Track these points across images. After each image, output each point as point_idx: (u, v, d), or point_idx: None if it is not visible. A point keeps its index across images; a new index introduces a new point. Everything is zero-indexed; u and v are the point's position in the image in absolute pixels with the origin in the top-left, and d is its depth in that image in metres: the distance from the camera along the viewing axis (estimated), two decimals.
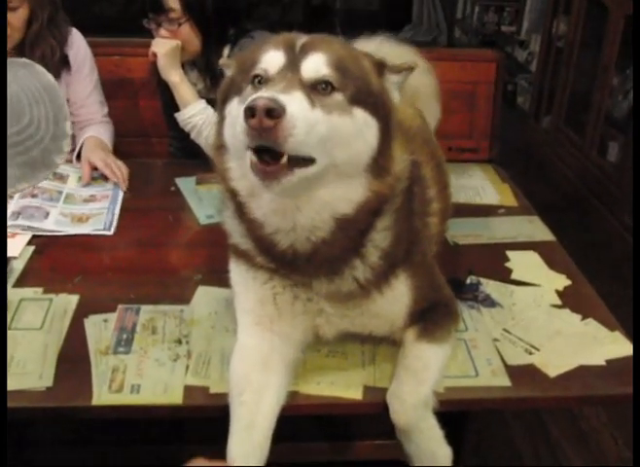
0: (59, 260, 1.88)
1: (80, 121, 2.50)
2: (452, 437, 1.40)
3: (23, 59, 1.21)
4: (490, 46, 5.35)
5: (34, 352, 1.49)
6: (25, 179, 1.04)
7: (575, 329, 1.63)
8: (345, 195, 1.25)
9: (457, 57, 2.93)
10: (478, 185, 2.31)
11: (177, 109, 2.43)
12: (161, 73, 2.38)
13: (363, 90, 1.23)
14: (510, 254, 1.91)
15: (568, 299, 1.73)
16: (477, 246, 1.95)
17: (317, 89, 1.18)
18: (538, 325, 1.64)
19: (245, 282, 1.44)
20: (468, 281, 1.74)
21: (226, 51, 2.38)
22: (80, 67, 2.47)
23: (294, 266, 1.33)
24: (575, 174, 4.33)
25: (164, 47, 2.32)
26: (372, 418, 1.66)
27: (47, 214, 2.05)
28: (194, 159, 2.49)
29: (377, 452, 1.70)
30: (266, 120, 1.07)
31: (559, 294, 1.75)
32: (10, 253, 1.83)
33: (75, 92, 2.47)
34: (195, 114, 2.37)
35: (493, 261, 1.87)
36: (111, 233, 2.00)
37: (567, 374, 1.49)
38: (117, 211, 2.11)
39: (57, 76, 2.37)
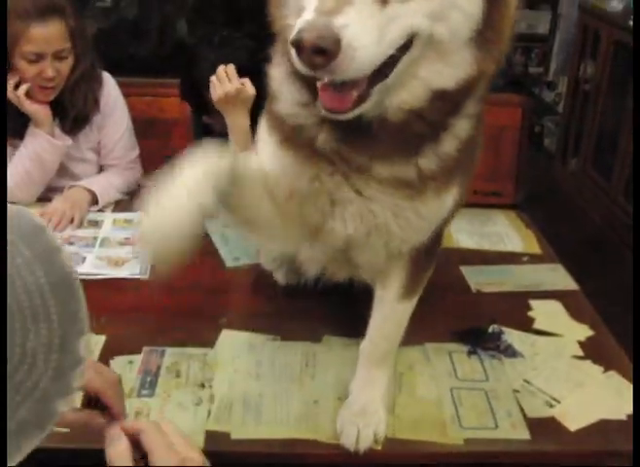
0: (86, 299, 1.89)
1: (103, 164, 2.52)
2: None
3: (34, 222, 0.80)
4: (518, 87, 5.37)
5: None
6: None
7: (596, 381, 1.63)
8: (444, 70, 1.08)
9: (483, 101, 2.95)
10: (502, 232, 2.31)
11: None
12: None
13: None
14: (533, 303, 1.91)
15: (590, 350, 1.73)
16: (500, 294, 1.96)
17: None
18: (559, 376, 1.63)
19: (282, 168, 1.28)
20: (490, 330, 1.75)
21: None
22: (112, 111, 2.47)
23: (360, 144, 1.16)
24: (601, 219, 4.32)
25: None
26: None
27: (83, 259, 2.06)
28: None
29: None
30: (316, 58, 0.89)
31: (581, 344, 1.75)
32: None
33: (107, 136, 2.47)
34: None
35: (516, 309, 1.88)
36: (147, 276, 1.99)
37: (588, 428, 1.48)
38: None
39: (89, 121, 2.40)
